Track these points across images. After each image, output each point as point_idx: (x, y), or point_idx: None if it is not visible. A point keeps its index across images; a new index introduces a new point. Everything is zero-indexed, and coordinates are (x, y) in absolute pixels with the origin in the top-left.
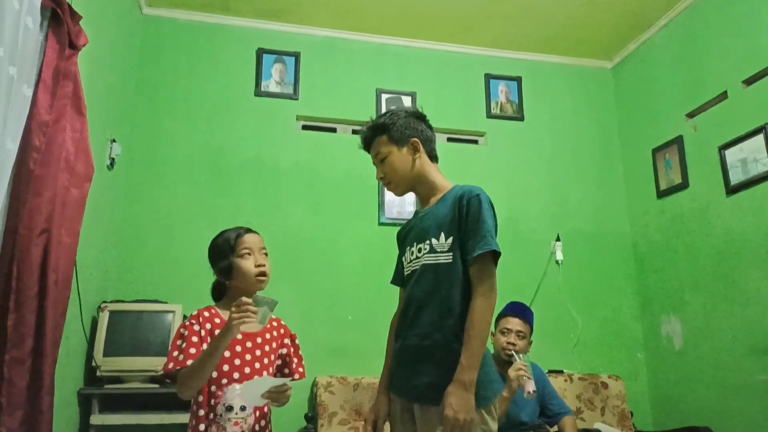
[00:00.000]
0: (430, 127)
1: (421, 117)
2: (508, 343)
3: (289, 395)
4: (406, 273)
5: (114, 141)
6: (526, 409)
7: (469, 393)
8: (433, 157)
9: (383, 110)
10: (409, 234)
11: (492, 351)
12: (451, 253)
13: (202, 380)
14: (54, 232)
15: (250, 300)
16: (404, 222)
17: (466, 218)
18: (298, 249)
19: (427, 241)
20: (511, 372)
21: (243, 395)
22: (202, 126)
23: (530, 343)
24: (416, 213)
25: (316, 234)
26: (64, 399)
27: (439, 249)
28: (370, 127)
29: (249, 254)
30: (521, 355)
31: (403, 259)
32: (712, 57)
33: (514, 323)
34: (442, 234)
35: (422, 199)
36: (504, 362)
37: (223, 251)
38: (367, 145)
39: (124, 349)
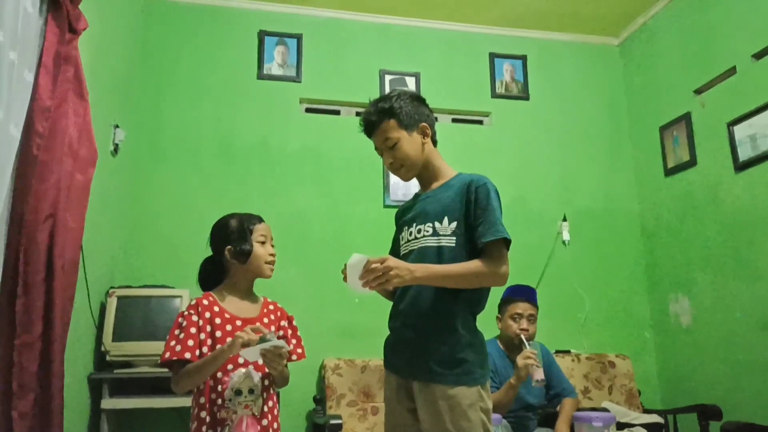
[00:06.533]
0: (431, 110)
1: (423, 101)
2: (521, 329)
3: (285, 364)
4: (402, 252)
5: (117, 126)
6: (533, 391)
7: (411, 272)
8: (435, 142)
9: (387, 91)
10: (408, 214)
11: (498, 336)
12: (454, 238)
13: (198, 383)
14: (59, 218)
15: (267, 331)
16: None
17: (475, 205)
18: (304, 232)
19: (429, 224)
20: (519, 360)
21: (245, 351)
22: (206, 110)
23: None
24: (416, 195)
25: (323, 217)
26: (74, 384)
27: (443, 232)
28: (376, 111)
29: (264, 242)
30: (530, 342)
31: (400, 237)
32: (721, 31)
33: (525, 308)
34: (446, 218)
35: (424, 183)
36: (515, 347)
37: (243, 233)
38: (372, 129)
39: (133, 333)
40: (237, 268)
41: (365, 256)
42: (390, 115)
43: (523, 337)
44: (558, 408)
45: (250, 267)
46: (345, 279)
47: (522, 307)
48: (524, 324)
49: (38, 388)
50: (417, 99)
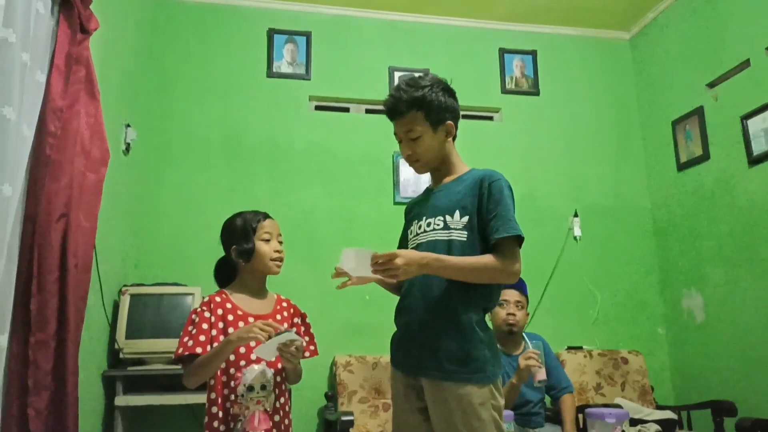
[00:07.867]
0: (458, 102)
1: (453, 93)
2: (508, 314)
3: (299, 359)
4: (410, 246)
5: (128, 126)
6: (532, 387)
7: (420, 265)
8: (455, 137)
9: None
10: (418, 208)
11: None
12: (466, 232)
13: (207, 375)
14: (72, 217)
15: (281, 328)
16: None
17: (488, 200)
18: (313, 229)
19: (440, 218)
20: (521, 361)
21: (258, 349)
22: (216, 108)
23: (527, 314)
24: (428, 189)
25: (332, 214)
26: (88, 381)
27: (454, 226)
28: (407, 100)
29: (269, 239)
30: (532, 342)
31: (409, 232)
32: (733, 24)
33: (511, 294)
34: (457, 212)
35: (436, 178)
36: (505, 335)
37: (247, 233)
38: (397, 115)
39: (146, 331)
40: (244, 266)
41: (368, 250)
42: (419, 107)
43: (525, 336)
44: (559, 403)
45: (256, 265)
46: (338, 273)
47: (509, 294)
48: (511, 309)
49: (53, 386)
50: (447, 91)
